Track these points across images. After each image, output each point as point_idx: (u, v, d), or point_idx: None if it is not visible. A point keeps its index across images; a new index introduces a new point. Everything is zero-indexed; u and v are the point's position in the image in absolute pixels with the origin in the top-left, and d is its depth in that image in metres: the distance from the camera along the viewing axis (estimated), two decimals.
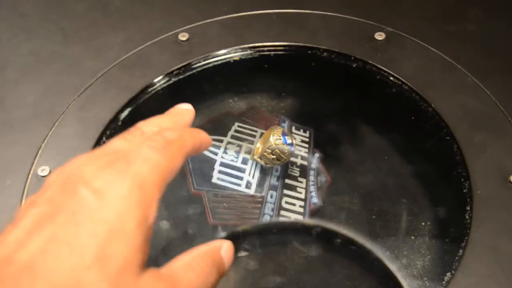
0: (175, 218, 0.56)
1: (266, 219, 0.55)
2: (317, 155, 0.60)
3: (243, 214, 0.55)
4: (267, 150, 0.54)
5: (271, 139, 0.53)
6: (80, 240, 0.25)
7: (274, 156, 0.54)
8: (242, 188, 0.57)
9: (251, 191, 0.57)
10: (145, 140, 0.31)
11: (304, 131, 0.62)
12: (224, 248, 0.32)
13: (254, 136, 0.61)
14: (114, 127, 0.57)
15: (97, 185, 0.27)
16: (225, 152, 0.60)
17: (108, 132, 0.57)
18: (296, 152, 0.60)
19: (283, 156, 0.54)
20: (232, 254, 0.32)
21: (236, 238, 0.54)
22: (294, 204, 0.56)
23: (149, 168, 0.29)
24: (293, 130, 0.62)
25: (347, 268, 0.52)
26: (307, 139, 0.62)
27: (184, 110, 0.39)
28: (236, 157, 0.60)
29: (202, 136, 0.36)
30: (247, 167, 0.59)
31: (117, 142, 0.32)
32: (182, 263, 0.29)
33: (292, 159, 0.59)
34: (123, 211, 0.26)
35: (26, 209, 0.27)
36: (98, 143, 0.55)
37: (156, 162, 0.29)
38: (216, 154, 0.60)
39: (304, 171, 0.58)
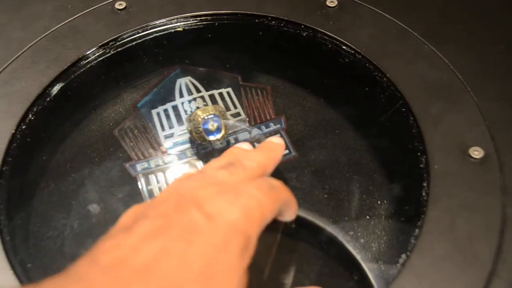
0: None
1: (143, 166, 0.53)
2: None
3: (140, 149, 0.54)
4: (190, 117, 0.50)
5: (199, 111, 0.48)
6: (189, 256, 0.28)
7: (189, 128, 0.50)
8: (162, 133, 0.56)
9: (166, 143, 0.55)
10: (251, 179, 0.35)
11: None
12: None
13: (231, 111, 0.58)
14: (42, 103, 0.53)
15: (208, 210, 0.30)
16: (192, 101, 0.58)
17: (35, 109, 0.52)
18: None
19: (193, 133, 0.50)
20: None
21: None
22: None
23: (255, 204, 0.32)
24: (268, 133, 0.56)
25: (295, 251, 0.48)
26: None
27: (277, 145, 0.43)
28: (191, 111, 0.57)
29: (293, 199, 0.40)
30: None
31: (222, 173, 0.35)
32: None
33: None
34: (229, 237, 0.29)
35: (139, 219, 0.30)
36: (24, 120, 0.51)
37: (260, 201, 0.33)
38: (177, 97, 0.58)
39: None
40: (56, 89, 0.54)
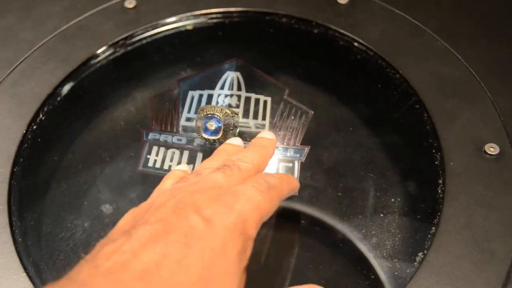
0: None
1: (154, 136, 0.54)
2: None
3: (161, 120, 0.55)
4: (200, 112, 0.49)
5: (207, 106, 0.48)
6: (188, 260, 0.28)
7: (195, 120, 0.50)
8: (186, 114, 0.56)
9: (183, 125, 0.55)
10: (249, 181, 0.36)
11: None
12: None
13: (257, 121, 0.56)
14: (53, 103, 0.53)
15: (207, 214, 0.31)
16: (228, 96, 0.57)
17: (45, 109, 0.52)
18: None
19: (196, 125, 0.49)
20: None
21: None
22: None
23: (252, 207, 0.33)
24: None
25: (309, 251, 0.47)
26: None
27: (269, 142, 0.43)
28: (221, 104, 0.56)
29: (295, 183, 0.42)
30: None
31: (219, 176, 0.36)
32: None
33: None
34: (227, 240, 0.30)
35: (138, 224, 0.31)
36: (34, 120, 0.51)
37: (258, 203, 0.33)
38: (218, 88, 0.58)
39: None
40: (66, 88, 0.54)
